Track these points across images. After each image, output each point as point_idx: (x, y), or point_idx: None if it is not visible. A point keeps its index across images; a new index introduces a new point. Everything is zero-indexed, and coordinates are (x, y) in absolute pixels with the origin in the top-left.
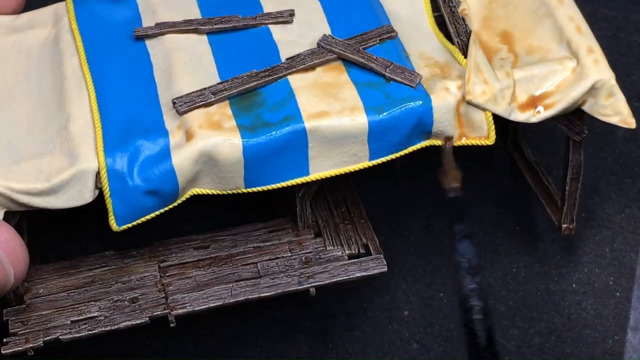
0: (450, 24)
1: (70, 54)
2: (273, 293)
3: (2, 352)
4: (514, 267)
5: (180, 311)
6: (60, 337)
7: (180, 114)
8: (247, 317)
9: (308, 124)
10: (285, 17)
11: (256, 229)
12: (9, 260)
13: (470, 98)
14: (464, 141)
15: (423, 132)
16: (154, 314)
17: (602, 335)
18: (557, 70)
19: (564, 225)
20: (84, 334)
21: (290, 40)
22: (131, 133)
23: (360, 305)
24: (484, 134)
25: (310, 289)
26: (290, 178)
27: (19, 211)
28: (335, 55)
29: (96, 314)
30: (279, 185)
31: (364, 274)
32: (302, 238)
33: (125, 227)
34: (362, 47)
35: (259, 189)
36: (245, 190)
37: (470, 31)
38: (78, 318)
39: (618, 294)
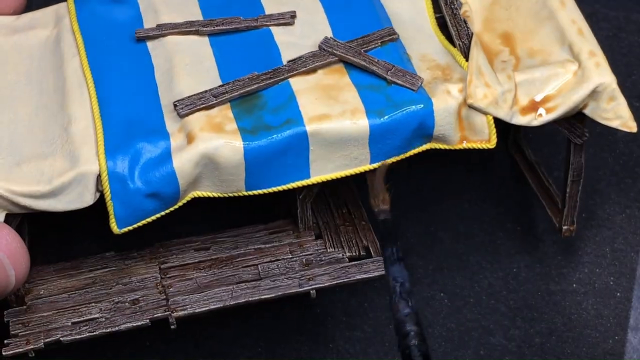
0: (451, 26)
1: (71, 55)
2: (274, 295)
3: (3, 353)
4: (515, 268)
5: (180, 313)
6: (61, 338)
7: (182, 116)
8: (248, 319)
9: (309, 127)
10: (287, 19)
11: (257, 230)
12: (10, 262)
13: (471, 101)
14: (465, 145)
15: (424, 136)
16: (155, 315)
17: (602, 335)
18: (558, 74)
19: (565, 227)
20: (84, 335)
21: (291, 42)
22: (132, 135)
23: (361, 305)
24: (485, 138)
25: (311, 291)
26: (291, 181)
27: (20, 213)
28: (336, 58)
29: (97, 315)
30: (279, 188)
31: (364, 276)
32: (302, 240)
33: (126, 229)
34: (363, 49)
35: (260, 191)
36: (246, 193)
37: (472, 33)
38: (79, 319)
39: (618, 294)
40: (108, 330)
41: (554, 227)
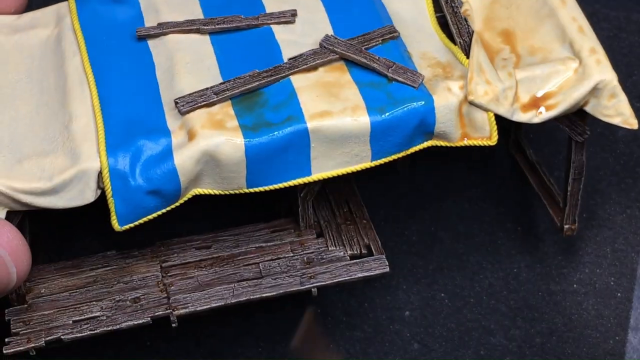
0: (452, 24)
1: (72, 53)
2: (275, 293)
3: (4, 351)
4: (515, 268)
5: (182, 311)
6: (62, 337)
7: (183, 113)
8: (248, 317)
9: (310, 124)
10: (288, 17)
11: (258, 229)
12: (12, 260)
13: (472, 98)
14: (466, 142)
15: (425, 133)
16: (156, 314)
17: (603, 335)
18: (559, 71)
19: (566, 226)
20: (85, 333)
21: (292, 40)
22: (133, 133)
23: (362, 305)
24: (486, 135)
25: (312, 290)
26: (292, 178)
27: (21, 211)
28: (337, 56)
29: (98, 313)
30: (281, 185)
31: (366, 274)
32: (304, 238)
33: (127, 227)
34: (364, 47)
35: (261, 189)
36: (247, 191)
37: (473, 31)
38: (80, 318)
39: (619, 294)
40: (109, 329)
41: (554, 227)
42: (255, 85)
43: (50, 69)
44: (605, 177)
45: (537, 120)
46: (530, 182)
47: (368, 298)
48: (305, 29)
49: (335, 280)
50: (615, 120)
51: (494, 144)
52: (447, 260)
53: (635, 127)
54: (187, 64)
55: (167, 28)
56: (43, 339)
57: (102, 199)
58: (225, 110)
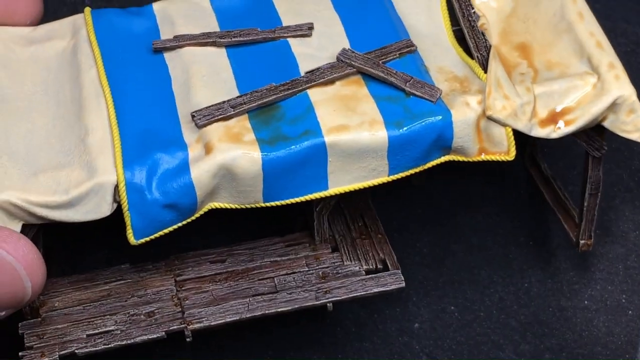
0: (469, 38)
1: (88, 66)
2: (290, 308)
3: None
4: (527, 282)
5: (196, 326)
6: (76, 351)
7: (199, 127)
8: (263, 332)
9: (328, 138)
10: (305, 31)
11: (273, 243)
12: (27, 274)
13: (490, 113)
14: (483, 157)
15: (443, 147)
16: (171, 328)
17: (613, 353)
18: (577, 86)
19: (582, 242)
20: (99, 348)
21: (309, 54)
22: (150, 146)
23: (371, 316)
24: (503, 150)
25: (328, 305)
26: (308, 192)
27: (36, 224)
28: (354, 69)
29: (112, 328)
30: (297, 199)
31: (381, 289)
32: (319, 253)
33: (142, 240)
34: (381, 61)
35: (278, 203)
36: (263, 205)
37: (490, 45)
38: (94, 332)
39: (630, 312)
40: (123, 343)
41: (567, 243)
42: (272, 98)
43: (66, 81)
44: (619, 194)
45: (555, 135)
46: (545, 196)
47: (378, 309)
48: (322, 42)
49: (350, 295)
50: (634, 136)
51: (511, 159)
52: (459, 273)
53: None
54: (204, 76)
55: (183, 41)
56: (57, 353)
57: (116, 213)
58: (242, 124)
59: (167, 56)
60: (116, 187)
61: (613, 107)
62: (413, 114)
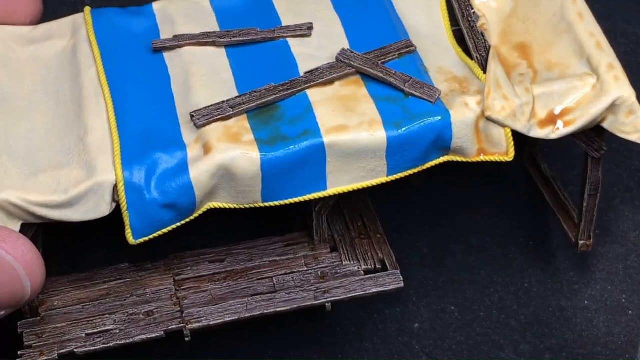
0: (469, 38)
1: (88, 66)
2: (289, 308)
3: None
4: (527, 282)
5: (195, 325)
6: (75, 350)
7: (198, 127)
8: (262, 331)
9: (327, 139)
10: (304, 31)
11: (272, 242)
12: (26, 273)
13: (489, 114)
14: (482, 157)
15: (441, 148)
16: (169, 327)
17: (613, 353)
18: (577, 87)
19: (581, 242)
20: (98, 347)
21: (308, 54)
22: (149, 146)
23: (371, 316)
24: (502, 150)
25: (327, 304)
26: (307, 193)
27: (35, 223)
28: (353, 70)
29: (111, 327)
30: (296, 199)
31: (380, 289)
32: (318, 252)
33: (141, 240)
34: (380, 61)
35: (277, 203)
36: (262, 205)
37: (490, 46)
38: (93, 331)
39: (630, 312)
40: (122, 342)
41: (567, 243)
42: (271, 98)
43: (66, 80)
44: (619, 194)
45: (554, 136)
46: (545, 197)
47: (377, 309)
48: (321, 42)
49: (349, 295)
50: (633, 137)
51: (510, 159)
52: (459, 273)
53: None
54: (203, 76)
55: (183, 40)
56: (56, 352)
57: (114, 212)
58: (241, 124)
59: (167, 56)
60: (115, 186)
61: (612, 108)
62: (412, 115)
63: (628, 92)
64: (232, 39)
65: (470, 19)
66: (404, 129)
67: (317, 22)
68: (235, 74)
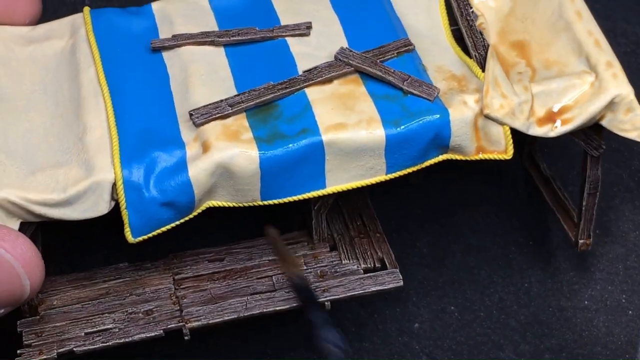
0: (467, 37)
1: (87, 65)
2: (288, 307)
3: None
4: (526, 282)
5: (194, 324)
6: (74, 349)
7: (197, 125)
8: (261, 330)
9: (325, 137)
10: (303, 30)
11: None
12: (25, 272)
13: (488, 112)
14: (481, 155)
15: (440, 146)
16: (169, 326)
17: (613, 353)
18: (575, 85)
19: (581, 241)
20: (97, 346)
21: (307, 53)
22: (147, 144)
23: (371, 316)
24: (501, 148)
25: (326, 303)
26: (306, 191)
27: (34, 222)
28: (352, 68)
29: (110, 326)
30: (295, 198)
31: (379, 288)
32: (317, 251)
33: (140, 238)
34: (379, 60)
35: (275, 201)
36: (261, 203)
37: (488, 45)
38: (92, 330)
39: (630, 312)
40: (121, 341)
41: (567, 243)
42: (270, 97)
43: (65, 80)
44: (619, 194)
45: (552, 134)
46: (544, 196)
47: (377, 309)
48: (320, 41)
49: (348, 294)
50: (632, 135)
51: (509, 157)
52: (458, 273)
53: None
54: (202, 75)
55: (182, 40)
56: (55, 351)
57: (114, 211)
58: (239, 122)
59: (166, 55)
60: (114, 185)
61: (611, 105)
62: (410, 113)
63: (626, 89)
64: (231, 38)
65: (468, 18)
66: (402, 127)
67: (316, 21)
68: (234, 72)
